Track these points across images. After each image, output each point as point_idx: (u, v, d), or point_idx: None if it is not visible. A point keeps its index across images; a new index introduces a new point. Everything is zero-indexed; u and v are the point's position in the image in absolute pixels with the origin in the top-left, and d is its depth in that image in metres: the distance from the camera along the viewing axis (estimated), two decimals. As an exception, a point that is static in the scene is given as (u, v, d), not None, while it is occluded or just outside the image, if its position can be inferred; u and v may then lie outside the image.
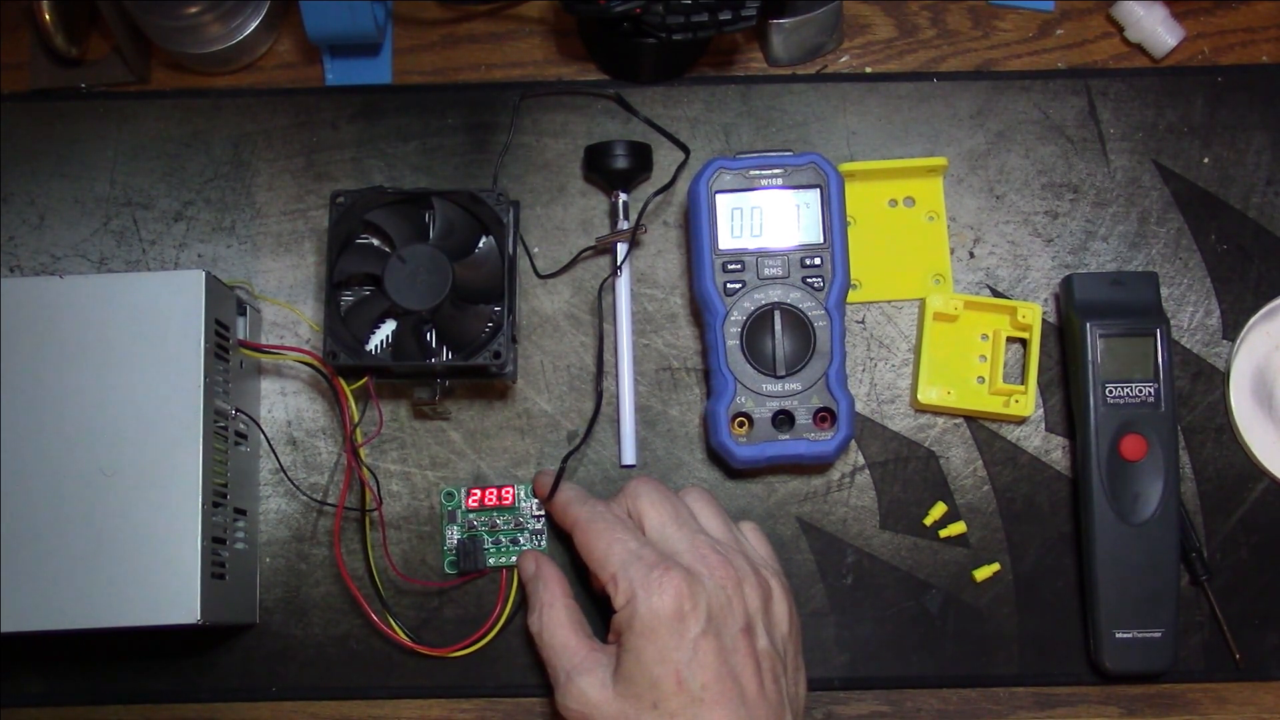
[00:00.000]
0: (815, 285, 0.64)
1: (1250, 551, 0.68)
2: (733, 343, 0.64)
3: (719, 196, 0.65)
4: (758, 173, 0.65)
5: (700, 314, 0.67)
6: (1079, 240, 0.71)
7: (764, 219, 0.65)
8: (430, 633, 0.67)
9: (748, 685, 0.55)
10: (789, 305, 0.64)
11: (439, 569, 0.67)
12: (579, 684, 0.57)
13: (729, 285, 0.64)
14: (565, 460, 0.65)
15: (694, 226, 0.66)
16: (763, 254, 0.64)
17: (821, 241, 0.64)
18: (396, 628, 0.66)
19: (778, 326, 0.64)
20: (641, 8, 0.64)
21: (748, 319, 0.64)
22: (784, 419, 0.64)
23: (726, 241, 0.65)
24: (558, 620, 0.60)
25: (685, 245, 0.70)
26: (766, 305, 0.64)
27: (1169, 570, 0.64)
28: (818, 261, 0.64)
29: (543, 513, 0.67)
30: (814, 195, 0.65)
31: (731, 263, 0.64)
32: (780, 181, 0.65)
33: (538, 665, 0.67)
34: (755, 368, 0.64)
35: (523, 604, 0.67)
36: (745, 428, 0.64)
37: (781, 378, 0.64)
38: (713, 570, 0.57)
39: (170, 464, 0.59)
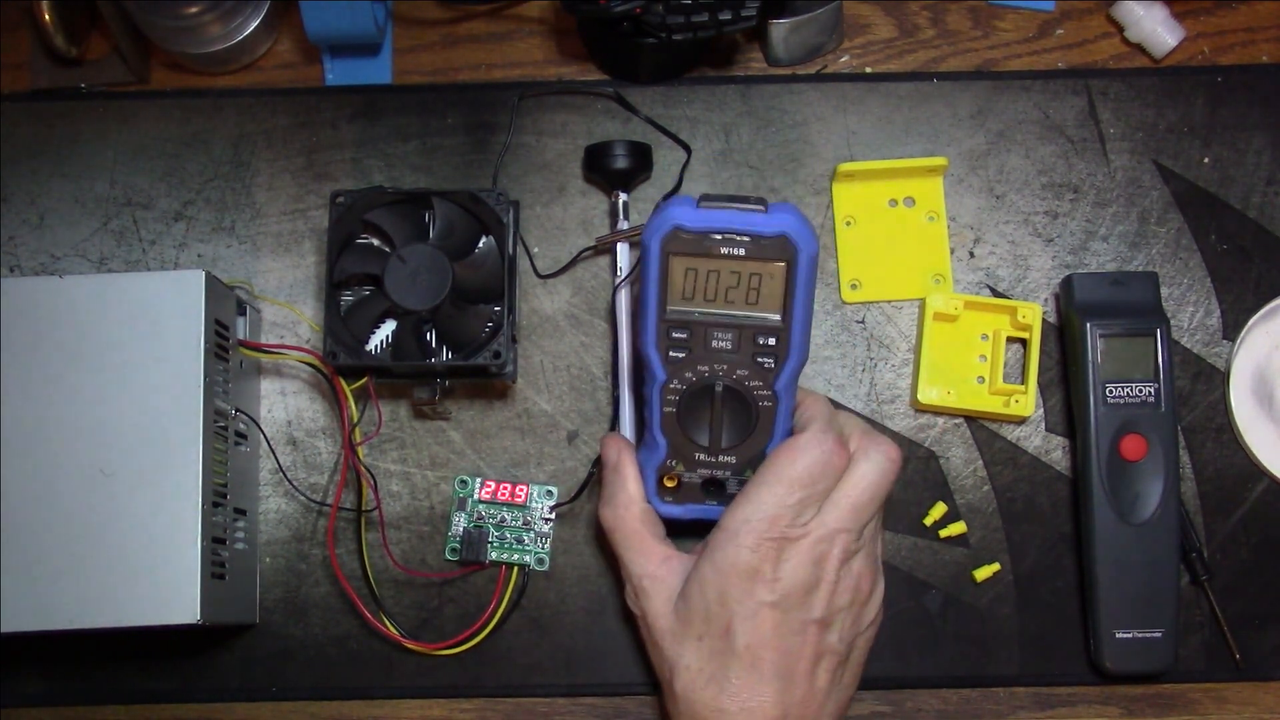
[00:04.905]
0: (765, 365, 0.58)
1: (1250, 551, 0.68)
2: (669, 410, 0.59)
3: (674, 259, 0.56)
4: (718, 239, 0.56)
5: (638, 363, 0.63)
6: (1079, 240, 0.71)
7: (719, 284, 0.57)
8: (430, 632, 0.67)
9: (798, 666, 0.55)
10: (733, 383, 0.58)
11: (438, 568, 0.67)
12: (645, 588, 0.58)
13: (672, 353, 0.58)
14: (594, 468, 0.66)
15: (644, 280, 0.58)
16: (713, 322, 0.57)
17: (778, 320, 0.57)
18: (390, 625, 0.66)
19: (718, 405, 0.58)
20: (641, 8, 0.64)
21: (687, 389, 0.58)
22: (714, 488, 0.61)
23: (676, 301, 0.57)
24: (634, 518, 0.60)
25: (635, 289, 0.67)
26: (708, 381, 0.58)
27: (1169, 570, 0.64)
28: (771, 341, 0.57)
29: (553, 517, 0.67)
30: (779, 269, 0.56)
31: (678, 328, 0.57)
32: (743, 252, 0.56)
33: (538, 665, 0.67)
34: (689, 439, 0.59)
35: (519, 602, 0.67)
36: (674, 485, 0.61)
37: (716, 453, 0.60)
38: (825, 572, 0.56)
39: (170, 464, 0.59)
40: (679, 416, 0.59)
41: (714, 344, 0.57)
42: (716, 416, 0.58)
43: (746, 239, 0.55)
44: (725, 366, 0.58)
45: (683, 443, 0.59)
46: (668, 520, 0.62)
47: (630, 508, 0.60)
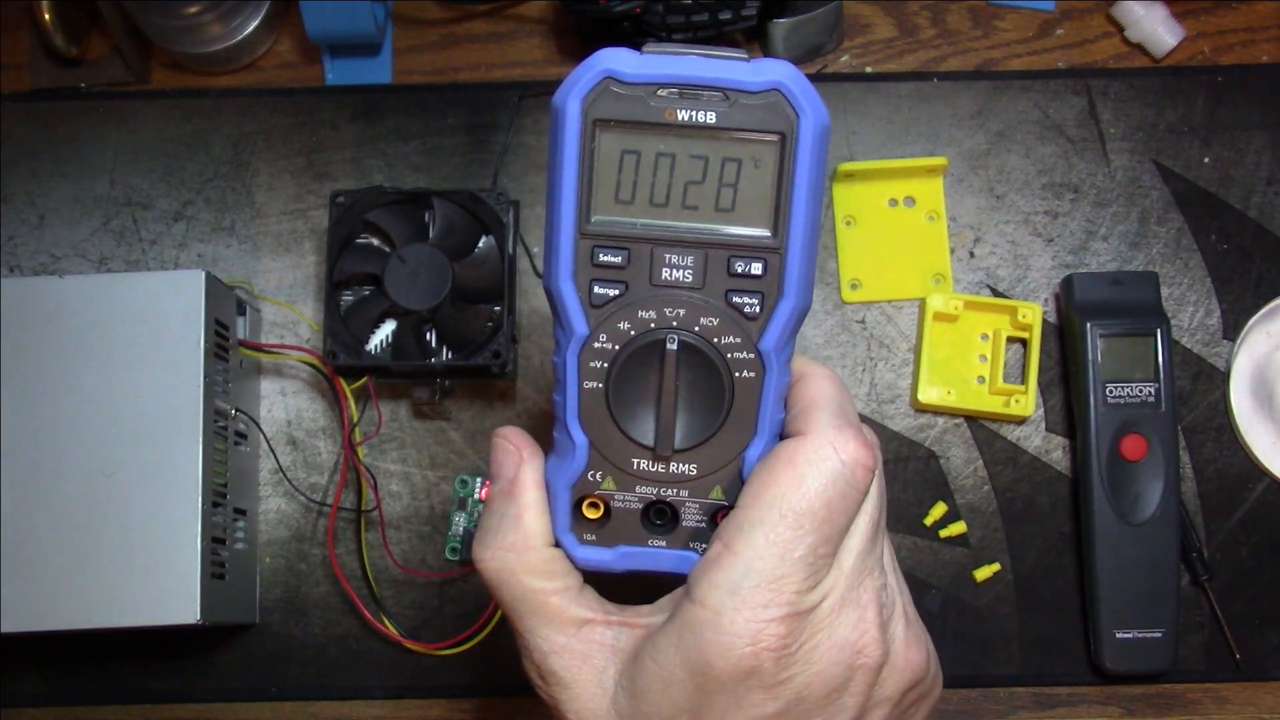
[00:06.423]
0: (747, 309, 0.38)
1: (1250, 551, 0.68)
2: (592, 385, 0.39)
3: (604, 134, 0.38)
4: (673, 96, 0.37)
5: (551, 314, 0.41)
6: (1079, 240, 0.71)
7: (674, 177, 0.38)
8: (430, 632, 0.67)
9: None
10: (694, 339, 0.39)
11: (438, 567, 0.67)
12: (557, 672, 0.39)
13: (599, 289, 0.39)
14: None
15: (554, 172, 0.39)
16: (664, 239, 0.38)
17: (768, 235, 0.38)
18: (389, 625, 0.66)
19: (670, 373, 0.38)
20: (641, 8, 0.64)
21: (622, 351, 0.39)
22: (662, 518, 0.41)
23: (606, 208, 0.38)
24: (529, 569, 0.40)
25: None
26: (657, 334, 0.39)
27: (1169, 570, 0.64)
28: (757, 269, 0.38)
29: None
30: (769, 151, 0.37)
31: (609, 248, 0.38)
32: (714, 119, 0.37)
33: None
34: (624, 434, 0.40)
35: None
36: (599, 513, 0.41)
37: (667, 457, 0.40)
38: (862, 656, 0.39)
39: (170, 464, 0.59)
40: (609, 397, 0.39)
41: (665, 273, 0.38)
42: (668, 392, 0.38)
43: (718, 96, 0.37)
44: (682, 310, 0.38)
45: (614, 442, 0.40)
46: (589, 572, 0.42)
47: (525, 553, 0.40)
